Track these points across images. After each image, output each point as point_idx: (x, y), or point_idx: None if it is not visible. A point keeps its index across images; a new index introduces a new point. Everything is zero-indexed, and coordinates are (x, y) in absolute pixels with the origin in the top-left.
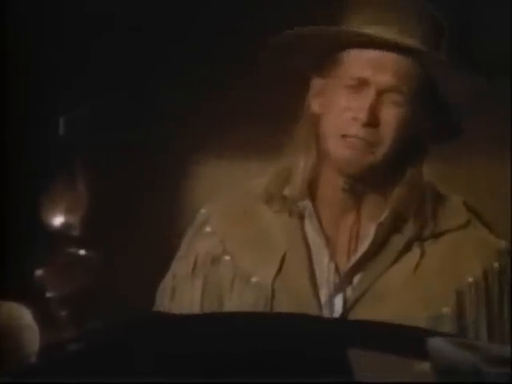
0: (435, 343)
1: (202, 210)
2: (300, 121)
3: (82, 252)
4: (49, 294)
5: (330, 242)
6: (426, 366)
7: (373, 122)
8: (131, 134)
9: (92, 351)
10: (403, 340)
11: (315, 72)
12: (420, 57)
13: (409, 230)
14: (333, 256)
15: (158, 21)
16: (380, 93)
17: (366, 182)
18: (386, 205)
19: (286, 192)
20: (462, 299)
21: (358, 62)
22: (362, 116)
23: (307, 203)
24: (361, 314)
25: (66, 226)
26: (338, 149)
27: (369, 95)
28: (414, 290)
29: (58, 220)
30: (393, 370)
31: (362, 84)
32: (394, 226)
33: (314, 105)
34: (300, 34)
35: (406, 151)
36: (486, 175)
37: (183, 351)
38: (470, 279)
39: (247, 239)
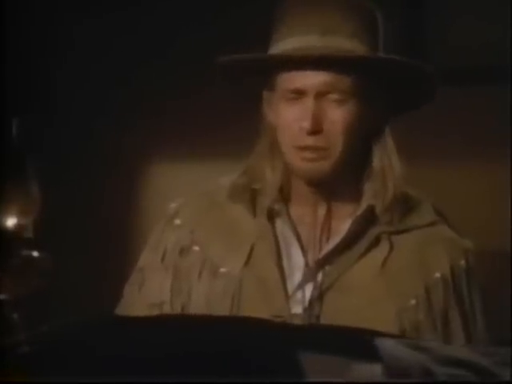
0: (386, 344)
1: (172, 204)
2: (260, 129)
3: (36, 254)
4: (1, 297)
5: (299, 235)
6: (376, 367)
7: (318, 128)
8: (86, 132)
9: (44, 354)
10: (354, 342)
11: (263, 85)
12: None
13: (378, 224)
14: (302, 248)
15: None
16: (318, 97)
17: (333, 183)
18: (360, 199)
19: (256, 186)
20: (429, 294)
21: (291, 74)
22: (306, 124)
23: (279, 203)
24: (328, 305)
25: (19, 228)
26: (295, 162)
27: (308, 103)
28: (381, 283)
29: (10, 222)
30: (343, 371)
31: (299, 94)
32: (366, 221)
33: (270, 115)
34: (233, 60)
35: (368, 144)
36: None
37: (136, 353)
38: (438, 275)
39: (216, 230)
